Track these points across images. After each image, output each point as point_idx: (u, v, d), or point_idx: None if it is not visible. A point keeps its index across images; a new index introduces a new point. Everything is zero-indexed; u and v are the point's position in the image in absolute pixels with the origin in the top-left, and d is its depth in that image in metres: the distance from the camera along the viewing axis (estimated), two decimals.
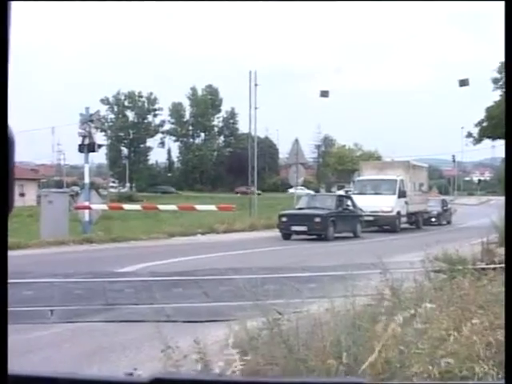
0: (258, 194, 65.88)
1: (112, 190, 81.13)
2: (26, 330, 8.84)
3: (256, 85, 40.61)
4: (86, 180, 25.86)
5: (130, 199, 61.85)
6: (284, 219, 26.07)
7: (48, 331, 8.79)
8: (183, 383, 2.03)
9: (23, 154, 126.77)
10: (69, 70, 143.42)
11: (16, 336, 8.57)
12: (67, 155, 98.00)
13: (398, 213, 31.70)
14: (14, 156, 1.64)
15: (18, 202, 59.45)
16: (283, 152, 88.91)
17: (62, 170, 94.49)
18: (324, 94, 43.96)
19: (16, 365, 6.11)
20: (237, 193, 75.80)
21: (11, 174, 1.62)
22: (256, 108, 40.49)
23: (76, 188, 56.19)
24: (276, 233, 26.44)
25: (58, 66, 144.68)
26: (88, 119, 25.05)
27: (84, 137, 24.88)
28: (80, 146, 25.13)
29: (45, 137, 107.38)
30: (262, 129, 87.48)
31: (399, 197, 32.02)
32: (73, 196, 32.26)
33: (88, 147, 25.11)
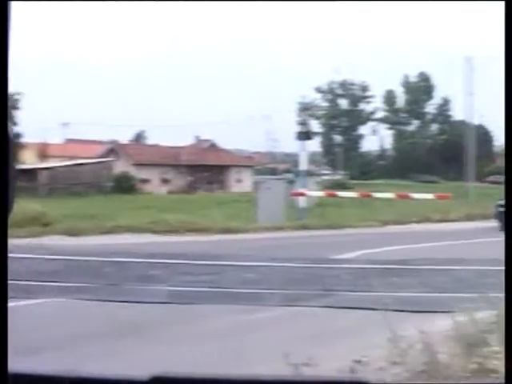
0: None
1: (325, 177, 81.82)
2: (248, 311, 9.17)
3: (472, 70, 39.46)
4: (303, 167, 26.27)
5: (342, 186, 61.99)
6: (502, 209, 25.08)
7: (268, 313, 9.04)
8: (182, 382, 2.02)
9: (240, 141, 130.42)
10: (283, 59, 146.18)
11: (239, 316, 8.93)
12: (281, 143, 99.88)
13: None
14: (13, 155, 1.59)
15: (234, 187, 61.76)
16: (499, 139, 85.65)
17: (276, 157, 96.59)
18: None
19: (236, 342, 6.30)
20: (485, 182, 73.17)
21: (11, 174, 1.57)
22: (472, 94, 39.34)
23: (289, 175, 57.17)
24: (493, 223, 25.51)
25: (272, 54, 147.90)
26: (305, 107, 25.49)
27: (301, 124, 25.35)
28: (298, 133, 25.61)
29: (259, 125, 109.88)
30: (477, 115, 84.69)
31: None
32: (288, 183, 32.89)
33: (304, 135, 25.53)
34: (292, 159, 72.15)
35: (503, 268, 2.03)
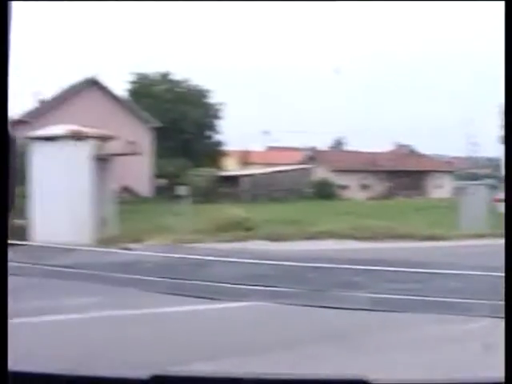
0: None
1: None
2: (454, 321, 8.98)
3: None
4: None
5: None
6: None
7: (477, 324, 8.80)
8: (182, 380, 1.97)
9: (439, 146, 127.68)
10: (486, 60, 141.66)
11: (446, 326, 8.76)
12: (481, 147, 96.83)
13: None
14: (15, 155, 1.59)
15: (433, 193, 60.56)
16: None
17: (478, 162, 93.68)
18: None
19: (447, 353, 6.13)
20: None
21: (12, 174, 1.57)
22: None
23: (490, 180, 55.32)
24: None
25: (476, 56, 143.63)
26: None
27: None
28: (501, 137, 24.75)
29: (459, 129, 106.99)
30: None
31: None
32: (490, 188, 31.81)
33: None
34: (494, 164, 69.61)
35: None
